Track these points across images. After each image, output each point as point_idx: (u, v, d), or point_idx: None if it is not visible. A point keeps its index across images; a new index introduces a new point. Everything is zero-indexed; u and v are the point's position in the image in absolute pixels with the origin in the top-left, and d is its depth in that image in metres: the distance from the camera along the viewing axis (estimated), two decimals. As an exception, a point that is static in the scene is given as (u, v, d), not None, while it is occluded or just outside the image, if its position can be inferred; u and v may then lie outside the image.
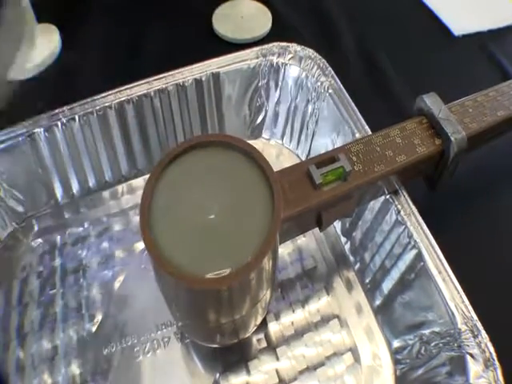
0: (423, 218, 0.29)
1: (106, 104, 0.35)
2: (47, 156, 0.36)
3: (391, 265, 0.30)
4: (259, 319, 0.28)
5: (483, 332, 0.25)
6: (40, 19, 0.48)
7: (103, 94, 0.35)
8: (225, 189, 0.23)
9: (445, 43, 0.50)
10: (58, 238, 0.36)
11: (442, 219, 0.32)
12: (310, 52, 0.38)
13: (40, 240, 0.36)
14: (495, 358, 0.24)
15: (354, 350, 0.31)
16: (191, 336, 0.30)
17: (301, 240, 0.36)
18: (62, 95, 0.38)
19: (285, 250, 0.35)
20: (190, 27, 0.51)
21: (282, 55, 0.38)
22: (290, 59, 0.38)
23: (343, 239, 0.35)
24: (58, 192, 0.37)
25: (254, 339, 0.31)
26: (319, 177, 0.25)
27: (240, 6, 0.52)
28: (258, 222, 0.22)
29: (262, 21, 0.50)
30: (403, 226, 0.29)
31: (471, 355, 0.25)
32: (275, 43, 0.38)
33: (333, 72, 0.36)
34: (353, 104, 0.34)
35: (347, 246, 0.35)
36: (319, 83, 0.36)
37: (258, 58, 0.38)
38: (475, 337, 0.25)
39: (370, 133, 0.32)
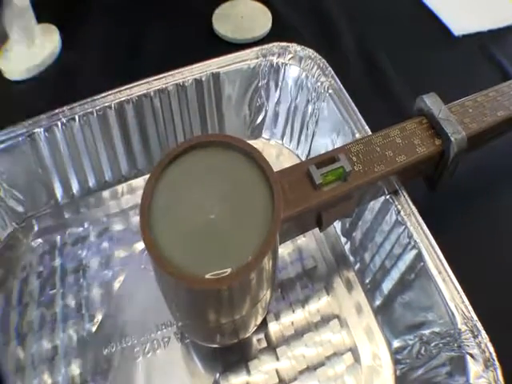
0: (423, 218, 0.29)
1: (106, 104, 0.35)
2: (47, 156, 0.36)
3: (391, 265, 0.30)
4: (259, 319, 0.28)
5: (483, 332, 0.25)
6: (40, 19, 0.48)
7: (103, 94, 0.35)
8: (225, 189, 0.23)
9: (445, 43, 0.50)
10: (58, 237, 0.36)
11: (441, 219, 0.32)
12: (310, 52, 0.38)
13: (40, 240, 0.36)
14: (495, 358, 0.24)
15: (354, 350, 0.31)
16: (191, 336, 0.30)
17: (301, 240, 0.36)
18: (62, 95, 0.38)
19: (285, 249, 0.35)
20: (189, 27, 0.51)
21: (282, 55, 0.38)
22: (289, 59, 0.38)
23: (343, 239, 0.35)
24: (58, 192, 0.37)
25: (254, 339, 0.31)
26: (319, 177, 0.25)
27: (240, 6, 0.52)
28: (258, 222, 0.22)
29: (262, 21, 0.50)
30: (403, 226, 0.29)
31: (471, 355, 0.25)
32: (275, 43, 0.38)
33: (333, 72, 0.36)
34: (353, 104, 0.34)
35: (347, 246, 0.35)
36: (319, 83, 0.36)
37: (257, 58, 0.38)
38: (475, 337, 0.25)
39: (370, 133, 0.32)
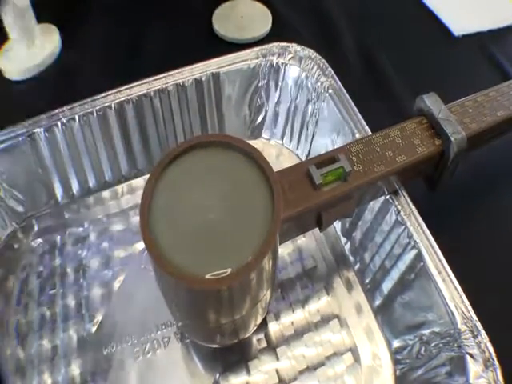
0: (423, 218, 0.29)
1: (106, 104, 0.35)
2: (47, 156, 0.36)
3: (391, 265, 0.30)
4: (259, 319, 0.28)
5: (483, 332, 0.25)
6: (40, 19, 0.48)
7: (103, 94, 0.35)
8: (225, 189, 0.23)
9: (445, 43, 0.50)
10: (58, 237, 0.36)
11: (441, 219, 0.32)
12: (310, 52, 0.38)
13: (40, 240, 0.36)
14: (495, 358, 0.24)
15: (353, 350, 0.31)
16: (191, 336, 0.30)
17: (301, 240, 0.36)
18: (62, 95, 0.38)
19: (285, 250, 0.35)
20: (189, 27, 0.51)
21: (282, 55, 0.38)
22: (289, 59, 0.38)
23: (343, 239, 0.35)
24: (58, 192, 0.37)
25: (254, 339, 0.31)
26: (319, 177, 0.25)
27: (240, 6, 0.52)
28: (258, 222, 0.22)
29: (262, 21, 0.50)
30: (403, 227, 0.29)
31: (471, 355, 0.25)
32: (275, 43, 0.38)
33: (333, 72, 0.36)
34: (353, 104, 0.34)
35: (347, 246, 0.35)
36: (319, 83, 0.36)
37: (257, 58, 0.38)
38: (475, 337, 0.25)
39: (370, 133, 0.32)
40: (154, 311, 0.32)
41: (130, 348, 0.31)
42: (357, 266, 0.34)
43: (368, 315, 0.32)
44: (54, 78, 0.47)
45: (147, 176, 0.23)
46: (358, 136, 0.33)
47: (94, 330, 0.32)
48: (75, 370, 0.30)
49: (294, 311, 0.32)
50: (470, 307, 0.26)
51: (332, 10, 0.53)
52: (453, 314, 0.26)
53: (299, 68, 0.37)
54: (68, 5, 0.53)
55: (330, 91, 0.35)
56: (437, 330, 0.27)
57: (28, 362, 0.31)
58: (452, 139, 0.28)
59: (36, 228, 0.37)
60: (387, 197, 0.30)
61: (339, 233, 0.36)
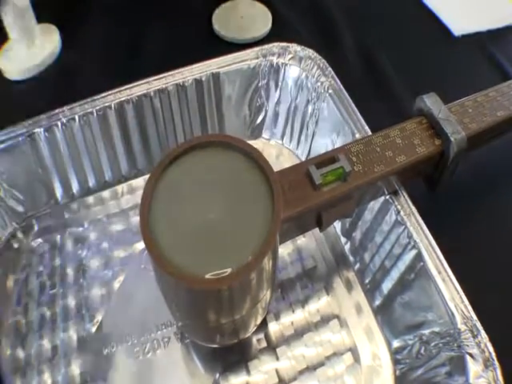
0: (423, 218, 0.29)
1: (106, 104, 0.35)
2: (47, 156, 0.36)
3: (391, 265, 0.30)
4: (259, 319, 0.28)
5: (483, 332, 0.25)
6: (40, 19, 0.48)
7: (103, 94, 0.35)
8: (225, 189, 0.23)
9: (445, 43, 0.50)
10: (58, 237, 0.36)
11: (441, 219, 0.32)
12: (310, 52, 0.38)
13: (40, 240, 0.36)
14: (495, 357, 0.24)
15: (353, 350, 0.31)
16: (191, 336, 0.30)
17: (301, 240, 0.36)
18: (62, 95, 0.38)
19: (285, 250, 0.35)
20: (189, 27, 0.51)
21: (282, 55, 0.38)
22: (289, 59, 0.38)
23: (343, 239, 0.35)
24: (58, 192, 0.37)
25: (254, 339, 0.31)
26: (319, 177, 0.25)
27: (240, 6, 0.52)
28: (258, 222, 0.22)
29: (262, 21, 0.50)
30: (403, 227, 0.29)
31: (471, 355, 0.25)
32: (275, 43, 0.38)
33: (333, 72, 0.36)
34: (353, 104, 0.34)
35: (347, 247, 0.35)
36: (319, 83, 0.36)
37: (257, 58, 0.38)
38: (475, 337, 0.25)
39: (369, 133, 0.32)
40: (154, 311, 0.32)
41: (130, 348, 0.31)
42: (357, 266, 0.34)
43: (368, 315, 0.32)
44: (54, 78, 0.47)
45: (147, 176, 0.23)
46: (357, 136, 0.33)
47: (93, 330, 0.32)
48: (75, 369, 0.30)
49: (293, 311, 0.32)
50: (469, 307, 0.26)
51: (332, 10, 0.53)
52: (452, 313, 0.26)
53: (299, 68, 0.37)
54: (68, 5, 0.53)
55: (330, 91, 0.35)
56: (437, 329, 0.27)
57: (28, 362, 0.31)
58: (452, 139, 0.28)
59: (36, 228, 0.37)
60: (387, 197, 0.30)
61: (339, 233, 0.36)
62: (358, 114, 0.34)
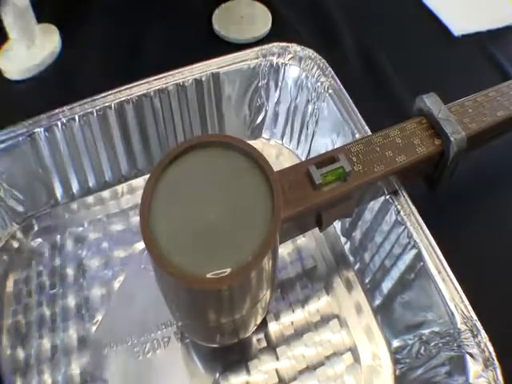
0: (423, 218, 0.29)
1: (106, 104, 0.35)
2: (47, 156, 0.36)
3: (391, 265, 0.30)
4: (259, 319, 0.28)
5: (483, 332, 0.25)
6: (40, 19, 0.48)
7: (103, 94, 0.35)
8: (225, 189, 0.23)
9: (445, 43, 0.50)
10: (58, 237, 0.36)
11: (441, 219, 0.32)
12: (310, 52, 0.38)
13: (40, 240, 0.36)
14: (495, 357, 0.24)
15: (353, 350, 0.31)
16: (191, 336, 0.30)
17: (300, 240, 0.36)
18: (62, 95, 0.38)
19: (284, 249, 0.35)
20: (189, 27, 0.51)
21: (281, 55, 0.38)
22: (289, 59, 0.38)
23: (343, 239, 0.35)
24: (58, 192, 0.37)
25: (254, 339, 0.31)
26: (319, 177, 0.25)
27: (240, 6, 0.52)
28: (258, 222, 0.22)
29: (262, 21, 0.50)
30: (403, 226, 0.29)
31: (471, 355, 0.25)
32: (275, 43, 0.38)
33: (333, 72, 0.36)
34: (353, 104, 0.34)
35: (347, 246, 0.35)
36: (319, 83, 0.36)
37: (257, 58, 0.38)
38: (475, 336, 0.25)
39: (369, 133, 0.32)
40: (154, 311, 0.32)
41: (130, 348, 0.31)
42: (357, 266, 0.34)
43: (368, 315, 0.32)
44: (54, 77, 0.47)
45: (147, 176, 0.23)
46: (357, 136, 0.33)
47: (93, 329, 0.32)
48: (75, 369, 0.30)
49: (293, 311, 0.32)
50: (469, 307, 0.26)
51: (332, 10, 0.53)
52: (452, 313, 0.26)
53: (299, 68, 0.37)
54: (68, 5, 0.53)
55: (330, 91, 0.35)
56: (436, 329, 0.27)
57: (28, 362, 0.31)
58: (452, 139, 0.28)
59: (36, 228, 0.37)
60: (387, 197, 0.30)
61: (339, 233, 0.36)
62: (358, 113, 0.34)
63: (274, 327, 0.32)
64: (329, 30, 0.51)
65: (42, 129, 0.34)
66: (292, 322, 0.32)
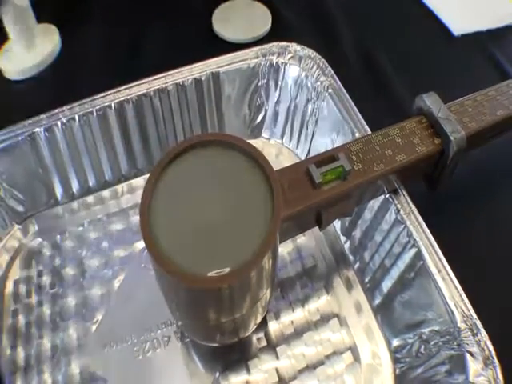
0: (423, 217, 0.29)
1: (106, 104, 0.35)
2: (47, 156, 0.36)
3: (391, 264, 0.30)
4: (259, 318, 0.28)
5: (482, 330, 0.25)
6: (40, 19, 0.48)
7: (103, 94, 0.35)
8: (225, 188, 0.23)
9: (444, 43, 0.50)
10: (58, 237, 0.36)
11: (441, 218, 0.32)
12: (310, 52, 0.38)
13: (40, 240, 0.36)
14: (494, 356, 0.24)
15: (353, 349, 0.31)
16: (191, 335, 0.31)
17: (300, 239, 0.36)
18: (61, 95, 0.38)
19: (284, 248, 0.35)
20: (189, 27, 0.51)
21: (281, 55, 0.38)
22: (289, 59, 0.38)
23: (343, 238, 0.35)
24: (58, 192, 0.37)
25: (254, 338, 0.31)
26: (319, 176, 0.25)
27: (240, 6, 0.52)
28: (257, 221, 0.22)
29: (262, 21, 0.50)
30: (403, 225, 0.29)
31: (471, 353, 0.25)
32: (275, 43, 0.38)
33: (333, 72, 0.36)
34: (353, 104, 0.34)
35: (347, 245, 0.35)
36: (319, 83, 0.36)
37: (257, 57, 0.38)
38: (475, 335, 0.25)
39: (369, 132, 0.32)
40: (154, 310, 0.32)
41: (130, 347, 0.31)
42: (356, 265, 0.34)
43: (368, 314, 0.32)
44: (54, 77, 0.47)
45: (147, 176, 0.23)
46: (357, 135, 0.33)
47: (93, 329, 0.32)
48: (75, 369, 0.30)
49: (293, 310, 0.32)
50: (469, 305, 0.26)
51: (332, 10, 0.53)
52: (452, 312, 0.26)
53: (299, 67, 0.37)
54: (68, 5, 0.53)
55: (330, 90, 0.35)
56: (436, 328, 0.27)
57: (28, 361, 0.31)
58: (451, 138, 0.28)
59: (36, 228, 0.37)
60: (387, 196, 0.30)
61: (339, 232, 0.36)
62: (358, 113, 0.34)
63: (273, 326, 0.32)
64: (329, 30, 0.51)
65: (42, 129, 0.34)
66: (292, 321, 0.32)
